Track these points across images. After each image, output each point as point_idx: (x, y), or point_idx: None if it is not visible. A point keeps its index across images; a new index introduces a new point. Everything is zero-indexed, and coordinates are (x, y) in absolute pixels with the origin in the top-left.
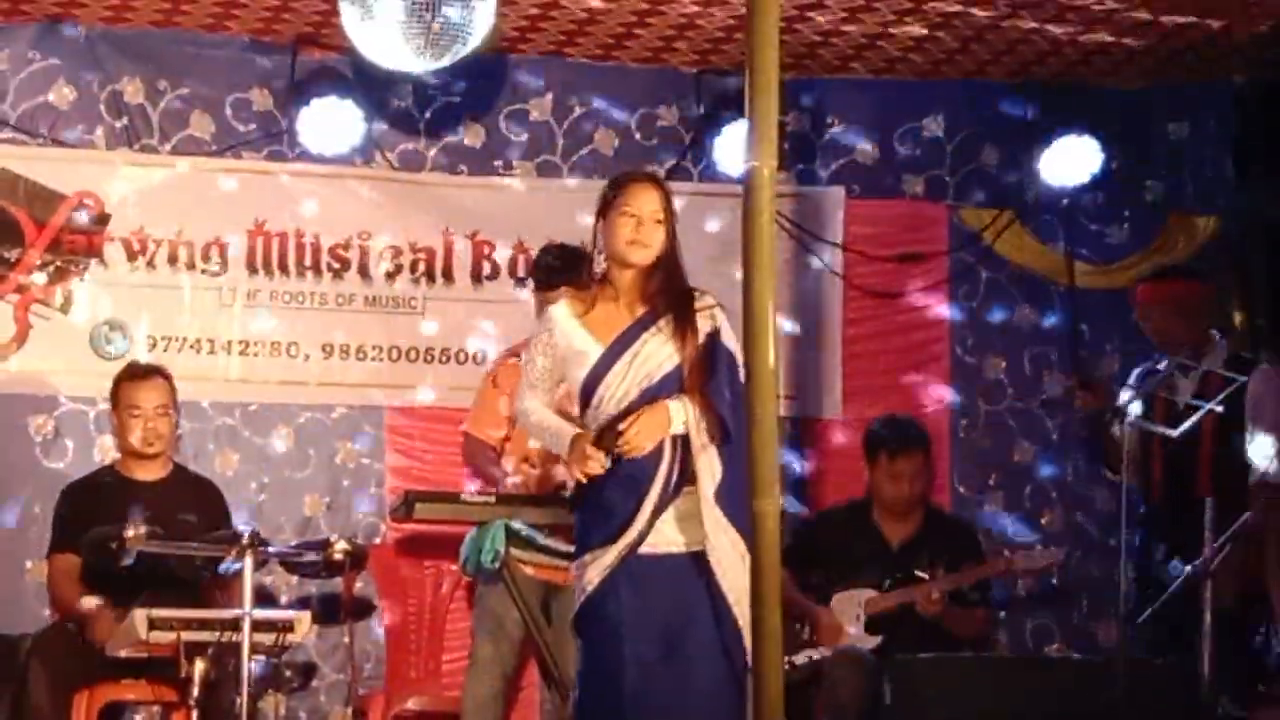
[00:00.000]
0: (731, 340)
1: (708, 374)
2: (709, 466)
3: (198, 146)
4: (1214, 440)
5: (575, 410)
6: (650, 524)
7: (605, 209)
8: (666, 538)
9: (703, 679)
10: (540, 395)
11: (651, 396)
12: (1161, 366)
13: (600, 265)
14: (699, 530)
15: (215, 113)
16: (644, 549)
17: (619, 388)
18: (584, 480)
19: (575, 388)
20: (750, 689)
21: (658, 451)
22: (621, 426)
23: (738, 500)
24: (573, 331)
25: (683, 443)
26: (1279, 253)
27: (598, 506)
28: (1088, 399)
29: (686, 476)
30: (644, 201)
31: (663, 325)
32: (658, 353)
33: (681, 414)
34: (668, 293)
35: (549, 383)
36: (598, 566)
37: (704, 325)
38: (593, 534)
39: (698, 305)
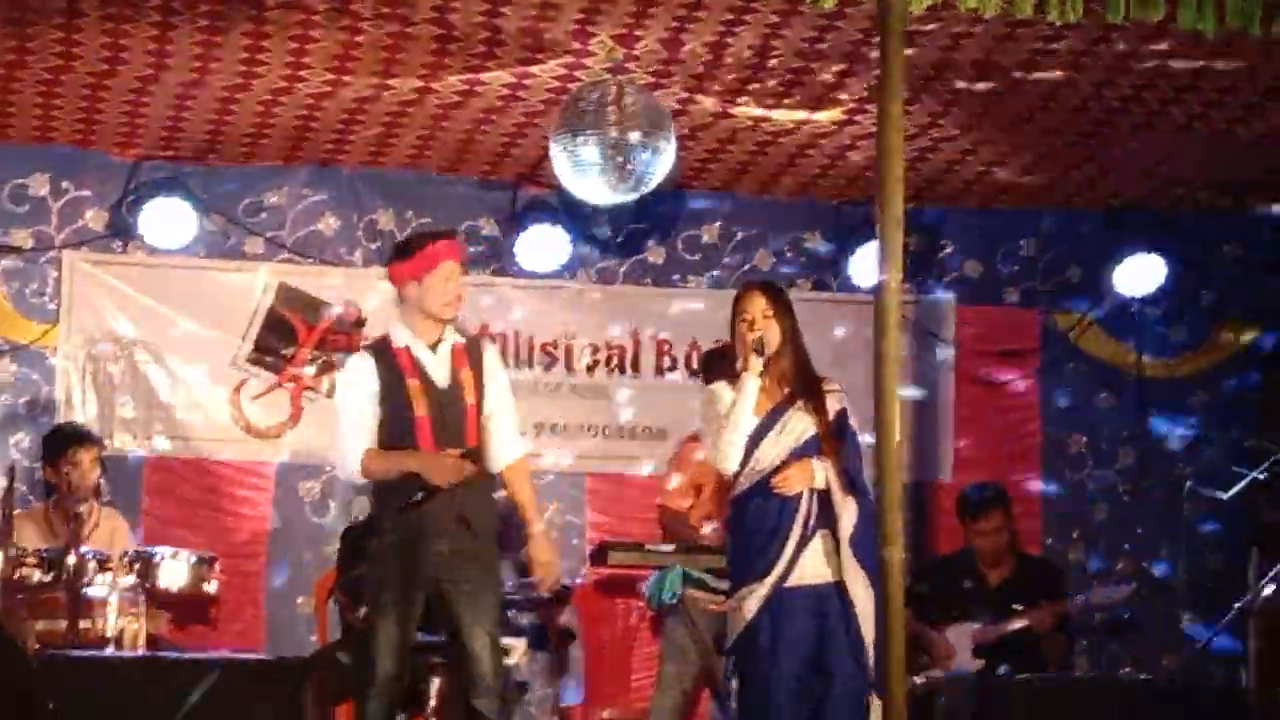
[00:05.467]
0: (853, 417)
1: (840, 442)
2: (849, 515)
3: None
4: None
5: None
6: (794, 561)
7: (732, 318)
8: (809, 572)
9: (840, 691)
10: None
11: (798, 456)
12: None
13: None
14: (836, 566)
15: None
16: (789, 582)
17: (770, 450)
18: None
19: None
20: (873, 703)
21: (797, 501)
22: (776, 478)
23: (868, 545)
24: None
25: (818, 495)
26: None
27: (750, 547)
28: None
29: (822, 522)
30: (753, 305)
31: (801, 404)
32: (799, 423)
33: (823, 472)
34: (799, 377)
35: None
36: (755, 599)
37: (833, 404)
38: (747, 571)
39: (826, 388)
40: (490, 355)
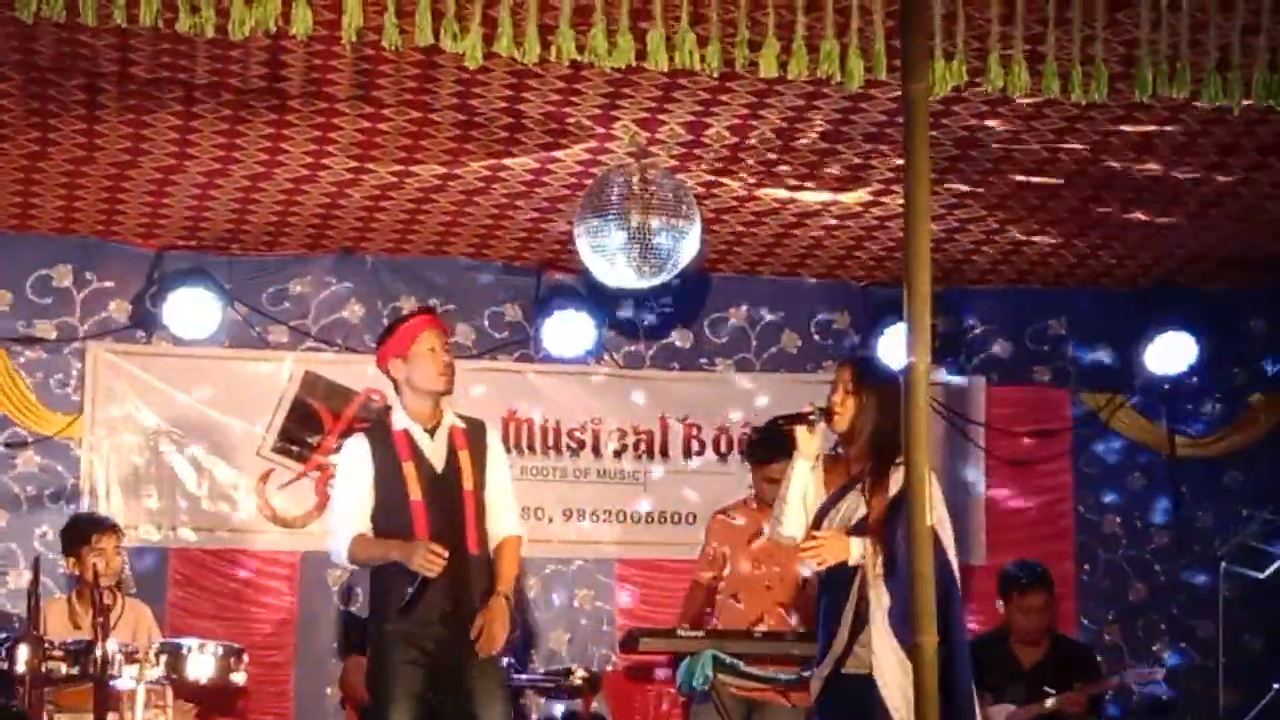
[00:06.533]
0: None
1: (888, 520)
2: (878, 597)
3: (460, 350)
4: None
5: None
6: (848, 648)
7: None
8: (860, 660)
9: None
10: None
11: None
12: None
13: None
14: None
15: (475, 323)
16: (846, 668)
17: (826, 530)
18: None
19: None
20: None
21: (848, 586)
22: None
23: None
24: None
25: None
26: None
27: (820, 631)
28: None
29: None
30: (837, 379)
31: (863, 484)
32: (853, 504)
33: (859, 549)
34: (870, 454)
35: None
36: (818, 678)
37: (895, 483)
38: (820, 652)
39: (895, 463)
40: (493, 438)
